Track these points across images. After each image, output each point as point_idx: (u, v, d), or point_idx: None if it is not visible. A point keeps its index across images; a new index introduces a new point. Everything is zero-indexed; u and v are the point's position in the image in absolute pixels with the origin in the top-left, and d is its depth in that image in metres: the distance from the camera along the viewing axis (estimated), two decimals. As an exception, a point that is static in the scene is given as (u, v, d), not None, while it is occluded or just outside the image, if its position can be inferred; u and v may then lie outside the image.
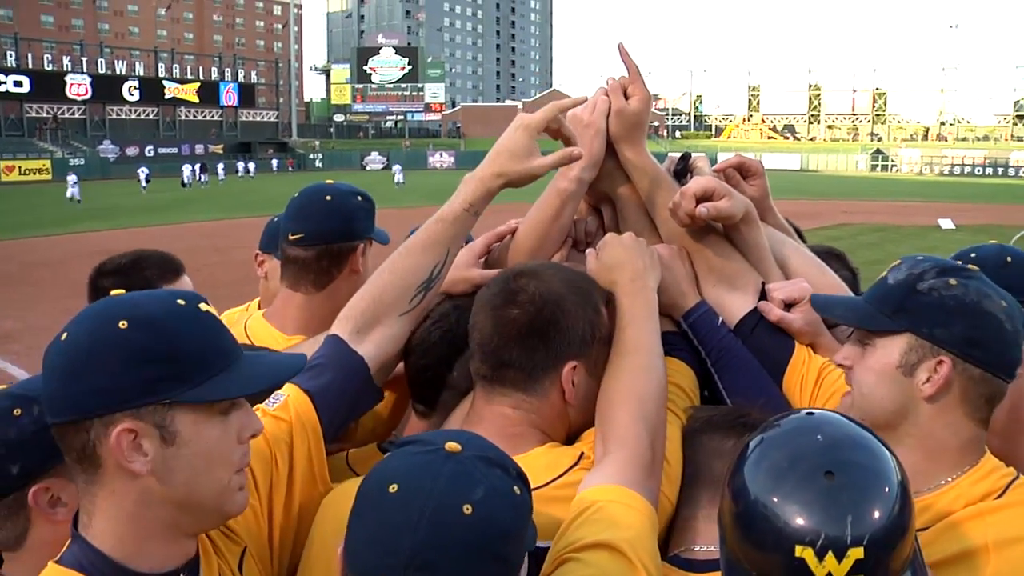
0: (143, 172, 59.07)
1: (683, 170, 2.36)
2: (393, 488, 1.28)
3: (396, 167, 65.81)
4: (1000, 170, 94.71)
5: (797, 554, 1.24)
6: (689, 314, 2.21)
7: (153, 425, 1.40)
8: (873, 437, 1.36)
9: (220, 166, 75.72)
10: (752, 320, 2.17)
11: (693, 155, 2.42)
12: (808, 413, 1.42)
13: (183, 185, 60.73)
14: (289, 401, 1.85)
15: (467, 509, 1.25)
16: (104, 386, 1.38)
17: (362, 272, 2.64)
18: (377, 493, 1.31)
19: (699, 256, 2.24)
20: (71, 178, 47.50)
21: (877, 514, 1.24)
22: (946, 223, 28.81)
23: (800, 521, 1.24)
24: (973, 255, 2.41)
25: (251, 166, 79.57)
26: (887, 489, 1.27)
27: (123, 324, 1.40)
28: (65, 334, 1.43)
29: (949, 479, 1.76)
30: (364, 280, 2.63)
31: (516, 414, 1.83)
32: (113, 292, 1.49)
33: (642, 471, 1.72)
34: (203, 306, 1.51)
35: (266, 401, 1.86)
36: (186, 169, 64.23)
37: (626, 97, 2.24)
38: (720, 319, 2.20)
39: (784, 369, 2.14)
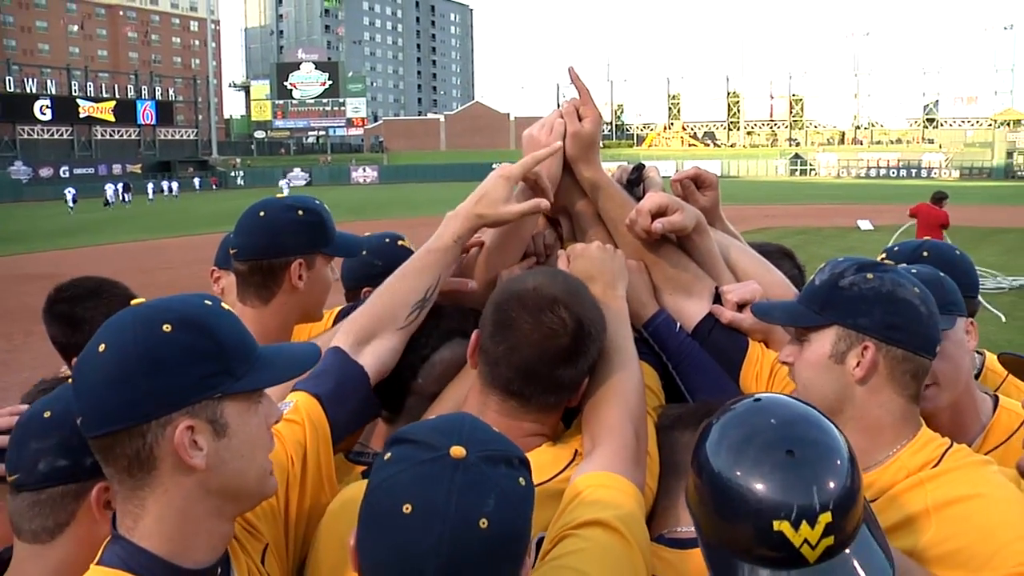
0: (70, 192, 58.11)
1: (636, 179, 2.52)
2: (407, 508, 1.31)
3: (283, 182, 60.22)
4: (913, 172, 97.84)
5: (775, 528, 1.39)
6: (649, 323, 2.34)
7: (206, 420, 1.47)
8: (819, 414, 1.55)
9: (150, 185, 74.39)
10: (708, 323, 2.33)
11: (645, 165, 2.59)
12: (755, 399, 1.59)
13: (106, 205, 59.89)
14: (300, 405, 1.95)
15: (483, 524, 1.30)
16: (164, 388, 1.44)
17: (302, 289, 2.61)
18: (390, 511, 1.33)
19: (656, 267, 2.39)
20: None
21: (835, 481, 1.42)
22: (865, 224, 29.49)
23: (772, 498, 1.41)
24: (896, 248, 2.76)
25: (174, 185, 78.12)
26: (839, 460, 1.46)
27: (167, 327, 1.45)
28: (103, 345, 1.46)
29: (889, 454, 1.95)
30: (311, 294, 2.63)
31: (533, 427, 1.96)
32: (134, 301, 1.54)
33: (629, 461, 1.87)
34: (224, 305, 1.59)
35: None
36: (109, 189, 63.25)
37: (579, 118, 2.37)
38: (678, 325, 2.35)
39: (740, 366, 2.31)
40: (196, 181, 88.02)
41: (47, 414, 1.74)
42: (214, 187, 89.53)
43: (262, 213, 2.62)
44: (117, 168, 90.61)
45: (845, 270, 2.01)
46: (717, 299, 2.35)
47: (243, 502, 1.61)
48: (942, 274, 2.38)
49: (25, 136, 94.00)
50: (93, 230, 40.10)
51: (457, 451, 1.36)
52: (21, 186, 76.81)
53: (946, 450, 1.95)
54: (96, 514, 1.68)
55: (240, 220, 2.67)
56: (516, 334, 1.90)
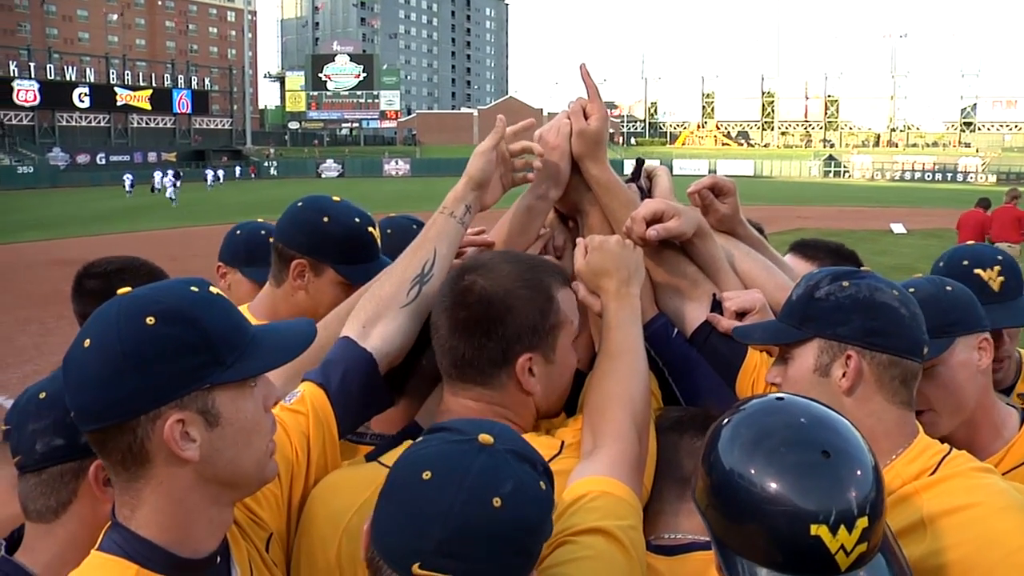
0: (128, 178, 60.15)
1: (637, 174, 2.54)
2: (427, 475, 1.33)
3: (167, 179, 55.57)
4: (948, 175, 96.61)
5: (812, 533, 1.33)
6: (646, 327, 2.27)
7: (197, 411, 1.45)
8: (840, 415, 1.51)
9: (209, 173, 75.57)
10: (707, 329, 2.29)
11: (653, 166, 2.61)
12: (777, 398, 1.54)
13: (153, 191, 61.33)
14: (305, 395, 1.93)
15: (496, 502, 1.30)
16: (149, 383, 1.41)
17: (302, 289, 2.68)
18: (410, 478, 1.36)
19: (656, 270, 2.37)
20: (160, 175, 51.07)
21: (868, 484, 1.39)
22: (898, 227, 29.26)
23: (809, 503, 1.35)
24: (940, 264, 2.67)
25: (220, 174, 79.18)
26: (869, 462, 1.42)
27: (151, 320, 1.42)
28: (87, 340, 1.44)
29: (885, 464, 1.84)
30: (311, 300, 2.67)
31: (480, 407, 1.92)
32: (120, 291, 1.50)
33: (631, 467, 1.83)
34: (213, 289, 1.55)
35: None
36: (157, 175, 64.46)
37: (586, 117, 2.36)
38: (675, 330, 2.33)
39: (737, 373, 2.26)
40: (237, 170, 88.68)
41: (42, 395, 1.75)
42: (252, 176, 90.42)
43: (300, 204, 2.73)
44: (152, 156, 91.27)
45: (820, 281, 1.98)
46: (718, 305, 2.31)
47: (242, 489, 1.59)
48: (949, 288, 2.25)
49: (64, 123, 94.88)
50: (130, 217, 40.53)
51: (485, 438, 1.38)
52: (58, 172, 77.71)
53: (943, 457, 1.88)
54: (96, 491, 1.69)
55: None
56: (437, 310, 1.97)
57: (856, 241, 27.88)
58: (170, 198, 50.28)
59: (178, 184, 64.66)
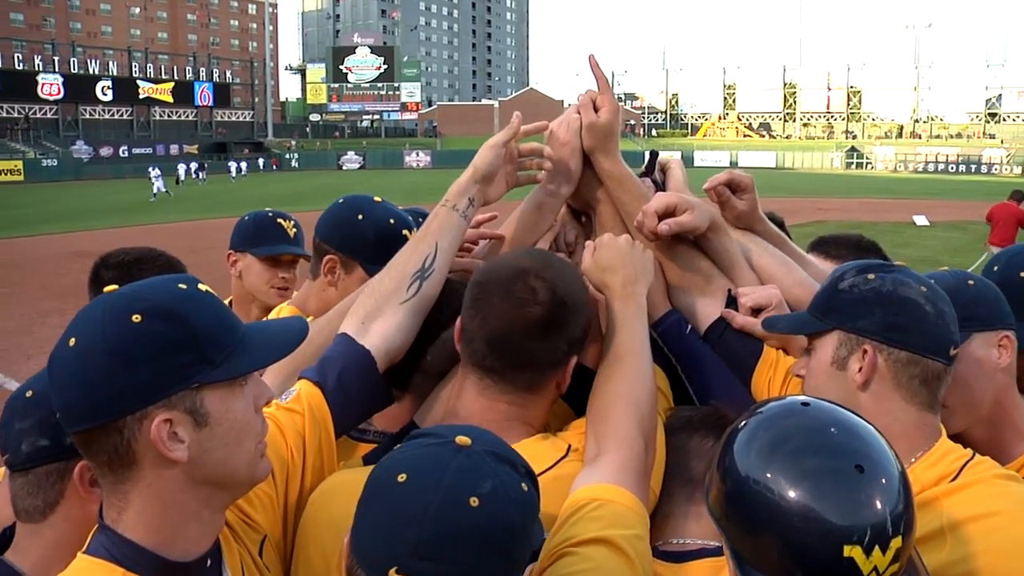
0: (154, 171, 60.57)
1: (651, 167, 2.47)
2: (402, 478, 1.30)
3: (155, 172, 52.63)
4: (973, 167, 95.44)
5: (846, 554, 1.25)
6: (658, 323, 2.27)
7: (184, 411, 1.41)
8: (868, 424, 1.41)
9: (233, 165, 76.40)
10: (721, 326, 2.24)
11: (667, 158, 2.54)
12: (803, 403, 1.44)
13: (177, 183, 61.71)
14: (302, 394, 1.88)
15: (474, 502, 1.26)
16: (135, 383, 1.37)
17: (333, 285, 2.69)
18: (386, 482, 1.32)
19: (669, 265, 2.32)
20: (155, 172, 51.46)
21: (903, 501, 1.30)
22: (921, 220, 29.07)
23: (843, 521, 1.26)
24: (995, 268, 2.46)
25: (243, 166, 79.64)
26: (901, 475, 1.33)
27: (137, 318, 1.38)
28: (73, 339, 1.40)
29: None
30: (340, 300, 2.60)
31: (510, 409, 1.87)
32: (107, 288, 1.47)
33: (637, 473, 1.77)
34: (201, 286, 1.51)
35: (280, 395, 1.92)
36: (181, 168, 65.29)
37: (596, 110, 2.32)
38: (689, 327, 2.28)
39: (752, 371, 2.21)
40: (260, 162, 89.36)
41: (29, 394, 1.73)
42: (275, 168, 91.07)
43: (341, 201, 2.76)
44: (174, 148, 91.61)
45: (846, 273, 1.93)
46: (733, 301, 2.26)
47: (233, 490, 1.55)
48: (972, 282, 2.14)
49: (87, 116, 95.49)
50: (152, 209, 40.73)
51: (462, 440, 1.35)
52: (82, 165, 78.19)
53: (966, 462, 1.80)
54: (81, 492, 1.67)
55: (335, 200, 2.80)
56: (487, 306, 1.86)
57: (879, 233, 27.61)
58: (154, 192, 49.13)
59: (200, 174, 64.76)
